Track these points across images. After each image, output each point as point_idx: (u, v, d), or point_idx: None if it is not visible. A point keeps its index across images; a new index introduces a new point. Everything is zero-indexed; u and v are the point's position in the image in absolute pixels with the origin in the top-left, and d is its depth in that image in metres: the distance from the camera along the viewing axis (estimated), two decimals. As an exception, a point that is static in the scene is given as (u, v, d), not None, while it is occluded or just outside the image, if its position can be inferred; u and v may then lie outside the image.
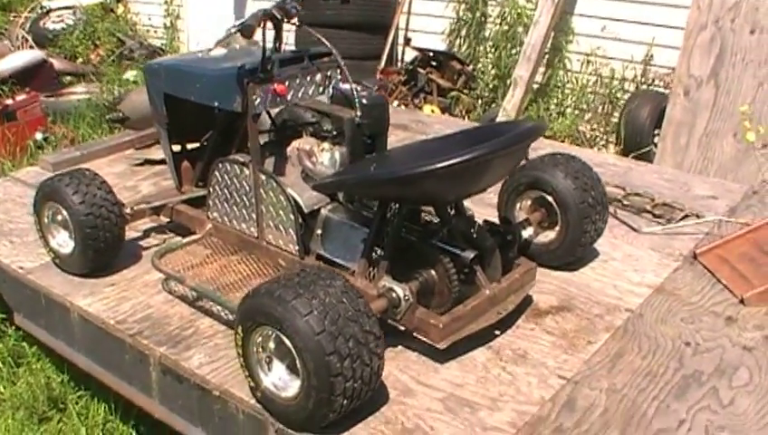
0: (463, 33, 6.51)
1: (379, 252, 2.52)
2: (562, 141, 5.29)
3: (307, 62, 2.85)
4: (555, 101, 5.87)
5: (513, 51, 6.18)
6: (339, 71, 2.90)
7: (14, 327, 3.42)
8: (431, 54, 6.35)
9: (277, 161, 2.79)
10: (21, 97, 5.13)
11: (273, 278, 2.14)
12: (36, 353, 3.37)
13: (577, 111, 5.67)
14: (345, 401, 2.03)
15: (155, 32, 8.11)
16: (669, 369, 2.44)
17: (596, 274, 2.99)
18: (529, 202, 2.98)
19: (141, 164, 3.91)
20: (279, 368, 2.14)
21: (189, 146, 3.25)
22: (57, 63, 6.33)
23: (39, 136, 5.00)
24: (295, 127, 2.92)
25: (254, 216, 2.79)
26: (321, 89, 2.89)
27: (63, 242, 2.91)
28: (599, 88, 5.79)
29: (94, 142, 4.30)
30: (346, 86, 2.87)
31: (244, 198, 2.80)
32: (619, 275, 2.98)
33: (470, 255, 2.44)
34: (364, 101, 2.73)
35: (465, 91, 6.28)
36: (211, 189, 2.91)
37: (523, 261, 2.68)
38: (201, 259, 2.85)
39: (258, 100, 2.67)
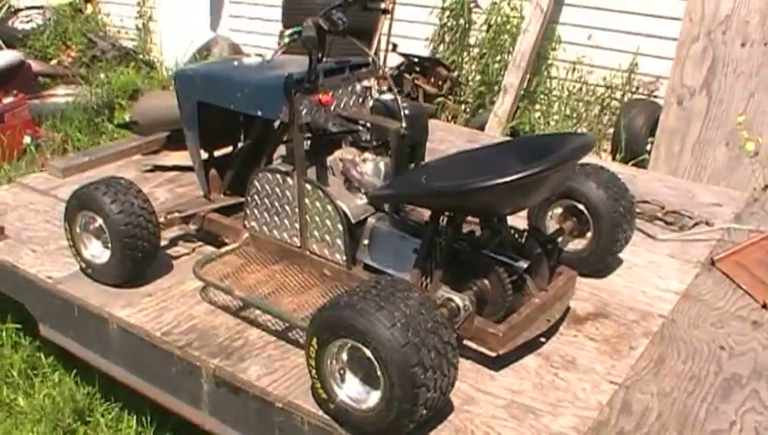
0: (447, 39, 6.61)
1: (430, 262, 2.57)
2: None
3: (348, 73, 2.88)
4: (544, 108, 6.00)
5: (498, 58, 6.30)
6: (377, 81, 2.94)
7: (29, 338, 3.37)
8: (417, 60, 6.42)
9: (318, 171, 2.81)
10: (8, 100, 5.00)
11: (349, 291, 2.17)
12: (53, 364, 3.32)
13: (571, 119, 5.80)
14: (425, 412, 2.08)
15: (126, 33, 7.98)
16: (710, 373, 2.56)
17: (624, 280, 3.10)
18: (560, 211, 3.07)
19: (151, 170, 3.88)
20: (353, 380, 2.17)
21: (216, 154, 3.25)
22: (34, 65, 6.18)
23: (27, 140, 4.89)
24: (334, 137, 2.94)
25: (296, 225, 2.80)
26: (361, 99, 2.93)
27: (97, 252, 2.88)
28: (585, 96, 5.95)
29: (101, 147, 4.24)
30: (386, 96, 2.92)
31: (287, 208, 2.82)
32: (645, 282, 3.10)
33: (524, 264, 2.51)
34: (407, 112, 2.78)
35: (451, 97, 6.37)
36: (249, 199, 2.92)
37: (564, 269, 2.76)
38: (241, 269, 2.85)
39: (305, 110, 2.70)
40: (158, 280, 2.96)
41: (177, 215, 3.03)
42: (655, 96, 5.67)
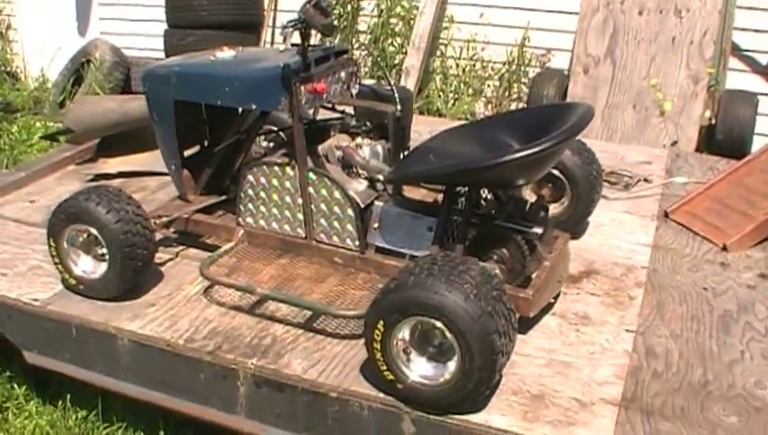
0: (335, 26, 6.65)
1: (448, 238, 2.66)
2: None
3: (333, 61, 2.90)
4: (445, 87, 6.20)
5: (390, 41, 6.44)
6: (357, 68, 2.98)
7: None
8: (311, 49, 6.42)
9: (313, 160, 2.82)
10: None
11: (405, 271, 2.21)
12: (24, 395, 3.11)
13: (474, 95, 6.03)
14: (497, 377, 2.18)
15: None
16: (705, 312, 2.82)
17: (597, 239, 3.33)
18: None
19: (94, 180, 3.69)
20: (419, 359, 2.23)
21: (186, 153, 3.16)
22: None
23: None
24: (323, 125, 2.96)
25: (299, 216, 2.80)
26: (345, 86, 2.95)
27: (90, 266, 2.74)
28: (481, 72, 6.21)
29: (33, 162, 3.95)
30: (367, 82, 2.98)
31: (288, 200, 2.80)
32: (616, 238, 3.35)
33: (538, 231, 2.66)
34: (399, 95, 2.85)
35: (351, 83, 6.43)
36: (243, 195, 2.88)
37: (559, 233, 2.93)
38: (247, 266, 2.81)
39: (303, 100, 2.70)
40: (154, 289, 2.85)
41: (164, 220, 2.92)
42: (548, 67, 6.03)
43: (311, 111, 2.98)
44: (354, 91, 2.97)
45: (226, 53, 2.97)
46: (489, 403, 2.28)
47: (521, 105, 6.03)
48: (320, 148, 2.87)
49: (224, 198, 3.09)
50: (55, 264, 2.78)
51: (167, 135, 3.00)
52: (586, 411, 2.27)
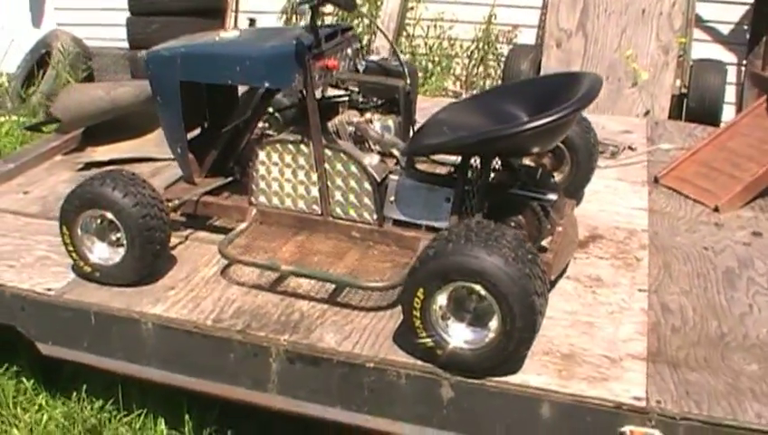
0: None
1: (466, 207, 2.72)
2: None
3: (340, 37, 2.92)
4: (416, 66, 6.25)
5: (357, 22, 6.46)
6: (361, 44, 3.01)
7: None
8: None
9: (325, 137, 2.84)
10: None
11: (441, 238, 2.26)
12: (33, 388, 3.08)
13: (444, 73, 6.11)
14: (535, 337, 2.26)
15: None
16: (709, 270, 2.95)
17: (596, 205, 3.43)
18: (536, 149, 3.33)
19: (85, 168, 3.64)
20: (458, 324, 2.29)
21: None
22: None
23: None
24: (331, 101, 2.98)
25: (315, 193, 2.83)
26: (352, 63, 2.98)
27: (106, 253, 2.72)
28: (449, 50, 6.29)
29: (19, 153, 3.86)
30: (373, 57, 3.01)
31: (302, 177, 2.82)
32: (613, 204, 3.46)
33: (552, 197, 2.74)
34: (407, 69, 2.90)
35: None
36: (255, 174, 2.89)
37: (565, 199, 3.02)
38: (265, 245, 2.82)
39: (317, 76, 2.72)
40: (170, 272, 2.85)
41: (176, 202, 2.91)
42: (515, 43, 6.14)
43: (320, 89, 3.00)
44: (361, 68, 3.00)
45: (230, 33, 2.97)
46: (524, 365, 2.35)
47: (491, 82, 6.14)
48: (329, 124, 2.89)
49: (230, 179, 3.09)
50: (69, 252, 2.75)
51: (172, 118, 2.98)
52: (616, 367, 2.36)
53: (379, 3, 6.30)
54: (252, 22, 6.64)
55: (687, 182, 3.61)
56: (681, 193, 3.58)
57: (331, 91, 3.08)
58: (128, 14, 6.02)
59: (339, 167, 2.76)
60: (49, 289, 2.76)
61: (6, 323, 2.84)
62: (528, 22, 6.11)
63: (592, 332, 2.54)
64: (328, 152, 2.76)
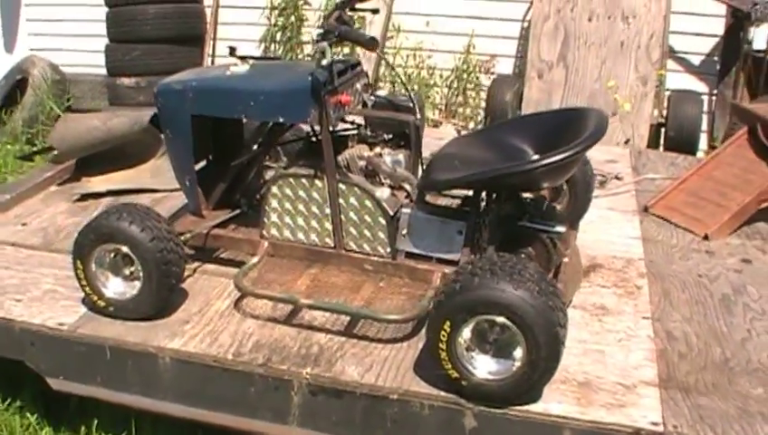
0: (278, 38, 6.73)
1: (477, 240, 2.81)
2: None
3: (350, 73, 3.00)
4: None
5: (336, 51, 6.56)
6: (368, 79, 3.11)
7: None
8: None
9: (337, 171, 2.91)
10: None
11: (466, 271, 2.35)
12: (36, 422, 3.07)
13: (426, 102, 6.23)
14: (558, 367, 2.35)
15: None
16: (706, 297, 3.10)
17: (592, 235, 3.56)
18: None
19: (81, 199, 3.65)
20: (482, 355, 2.37)
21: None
22: None
23: None
24: (340, 137, 3.05)
25: (328, 226, 2.89)
26: (360, 97, 3.06)
27: (121, 287, 2.75)
28: (428, 79, 6.43)
29: (15, 183, 3.85)
30: (380, 93, 3.11)
31: (316, 210, 2.89)
32: (607, 233, 3.60)
33: (561, 229, 2.85)
34: (417, 105, 3.00)
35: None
36: (267, 207, 2.94)
37: (569, 230, 3.14)
38: (279, 278, 2.87)
39: (331, 111, 2.80)
40: (183, 306, 2.88)
41: (187, 235, 2.95)
42: (492, 72, 6.32)
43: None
44: (370, 102, 3.08)
45: (241, 67, 3.03)
46: (543, 394, 2.44)
47: (470, 111, 6.30)
48: (340, 158, 2.96)
49: (237, 211, 3.14)
50: (82, 286, 2.76)
51: (182, 151, 3.02)
52: (631, 393, 2.47)
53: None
54: (232, 50, 6.71)
55: (676, 211, 3.77)
56: (671, 221, 3.73)
57: (340, 125, 3.16)
58: (106, 40, 6.03)
59: (352, 200, 2.84)
60: (61, 324, 2.77)
61: (15, 358, 2.84)
62: (506, 52, 6.29)
63: (604, 359, 2.65)
64: (341, 186, 2.83)
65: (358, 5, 3.07)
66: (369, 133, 3.05)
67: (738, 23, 5.54)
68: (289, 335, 2.73)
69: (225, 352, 2.63)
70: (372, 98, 3.10)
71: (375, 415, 2.50)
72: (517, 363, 2.32)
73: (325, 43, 2.66)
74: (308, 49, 6.67)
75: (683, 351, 2.72)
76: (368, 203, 2.83)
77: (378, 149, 3.00)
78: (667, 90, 5.39)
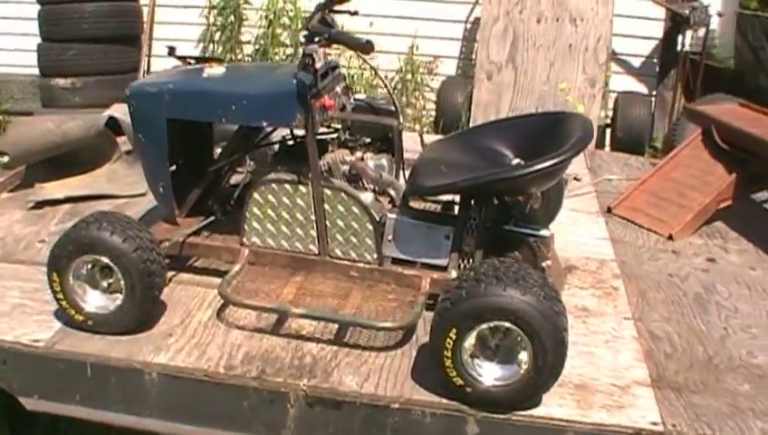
0: (217, 38, 6.60)
1: (465, 245, 2.82)
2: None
3: (330, 75, 2.97)
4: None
5: (277, 50, 6.49)
6: (347, 83, 3.08)
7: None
8: (197, 62, 6.31)
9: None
10: None
11: (470, 278, 2.35)
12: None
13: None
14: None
15: None
16: (680, 296, 3.20)
17: (562, 237, 3.58)
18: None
19: (37, 207, 3.48)
20: (485, 362, 2.38)
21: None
22: None
23: None
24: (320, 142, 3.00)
25: (312, 233, 2.85)
26: (340, 101, 3.03)
27: (101, 300, 2.63)
28: (371, 79, 6.42)
29: (-38, 190, 3.63)
30: (360, 96, 3.08)
31: (299, 217, 2.84)
32: (576, 235, 3.67)
33: (547, 232, 2.89)
34: (398, 108, 2.99)
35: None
36: (248, 214, 2.87)
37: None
38: (263, 287, 2.81)
39: (317, 115, 2.76)
40: (162, 318, 2.78)
41: (166, 244, 2.85)
42: (436, 73, 6.37)
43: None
44: (349, 106, 3.05)
45: (216, 70, 2.94)
46: (543, 398, 2.47)
47: (414, 112, 6.32)
48: (321, 163, 2.92)
49: (212, 219, 3.06)
50: (58, 300, 2.64)
51: (156, 156, 2.92)
52: (627, 394, 2.53)
53: (297, 32, 6.36)
54: (171, 50, 6.54)
55: (639, 212, 3.87)
56: (634, 222, 3.84)
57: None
58: (38, 39, 5.78)
59: (338, 206, 2.80)
60: (36, 340, 2.63)
61: (-15, 378, 2.69)
62: (449, 53, 6.35)
63: (595, 361, 2.70)
64: (327, 192, 2.80)
65: (336, 7, 3.02)
66: (348, 137, 3.01)
67: (676, 26, 5.74)
68: (279, 346, 2.67)
69: (216, 366, 2.55)
70: (352, 101, 3.07)
71: (375, 425, 2.47)
72: (523, 369, 2.34)
73: (315, 46, 2.62)
74: (248, 49, 6.57)
75: (668, 351, 2.80)
76: (354, 209, 2.80)
77: (358, 154, 2.97)
78: (611, 91, 5.54)
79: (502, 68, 5.41)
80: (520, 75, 5.37)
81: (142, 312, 2.64)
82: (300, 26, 6.25)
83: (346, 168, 2.92)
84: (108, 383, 2.60)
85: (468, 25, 6.20)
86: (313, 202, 2.81)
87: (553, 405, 2.44)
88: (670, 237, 3.69)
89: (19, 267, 3.07)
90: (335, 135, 3.03)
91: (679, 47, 5.71)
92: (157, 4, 6.31)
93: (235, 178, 3.26)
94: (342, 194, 2.79)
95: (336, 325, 2.76)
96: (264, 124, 2.82)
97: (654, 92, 6.01)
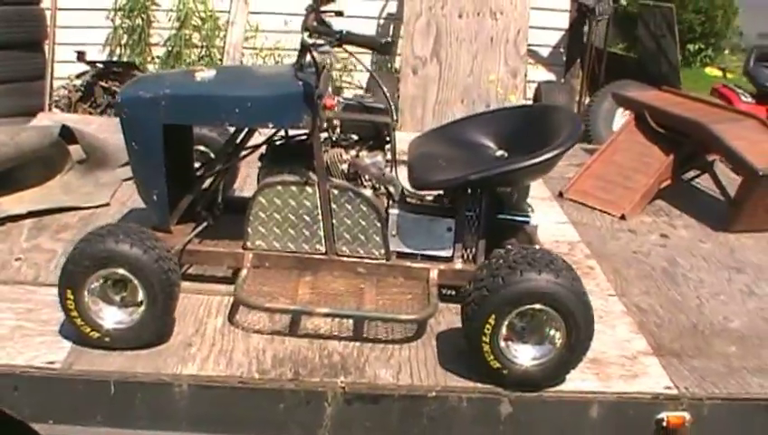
0: (124, 41, 6.41)
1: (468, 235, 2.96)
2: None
3: (323, 76, 3.02)
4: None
5: (188, 51, 6.40)
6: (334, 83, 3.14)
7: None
8: (105, 66, 6.14)
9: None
10: None
11: (501, 266, 2.49)
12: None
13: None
14: (590, 345, 2.58)
15: None
16: (650, 270, 3.50)
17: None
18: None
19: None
20: (518, 344, 2.54)
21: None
22: None
23: None
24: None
25: (319, 232, 2.91)
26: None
27: (118, 316, 2.59)
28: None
29: None
30: (348, 95, 3.17)
31: (306, 217, 2.89)
32: (537, 219, 3.86)
33: (535, 221, 3.09)
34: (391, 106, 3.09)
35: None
36: (252, 217, 2.89)
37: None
38: (275, 289, 2.85)
39: (321, 116, 2.82)
40: (175, 329, 2.76)
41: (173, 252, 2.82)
42: (351, 70, 6.48)
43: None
44: (339, 106, 3.11)
45: (207, 73, 2.93)
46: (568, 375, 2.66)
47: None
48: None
49: (205, 224, 3.05)
50: (72, 317, 2.56)
51: (150, 164, 2.87)
52: (637, 364, 2.77)
53: (206, 33, 6.29)
54: (80, 55, 6.35)
55: (590, 195, 4.16)
56: (586, 205, 4.12)
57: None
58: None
59: (345, 204, 2.87)
60: (51, 362, 2.55)
61: (-6, 405, 2.58)
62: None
63: (598, 336, 2.88)
64: (334, 191, 2.86)
65: (323, 8, 3.08)
66: (341, 136, 3.08)
67: (581, 17, 6.13)
68: (303, 347, 2.72)
69: (249, 372, 2.57)
70: (342, 100, 3.13)
71: (412, 415, 2.58)
72: (556, 347, 2.52)
73: (328, 47, 2.68)
74: (157, 51, 6.43)
75: (657, 322, 3.07)
76: (362, 206, 2.88)
77: (353, 152, 3.05)
78: (531, 82, 5.85)
79: (427, 62, 5.60)
80: (445, 69, 5.58)
81: (162, 324, 2.62)
82: (211, 27, 6.18)
83: (344, 166, 2.99)
84: (133, 400, 2.56)
85: (381, 21, 6.34)
86: (320, 202, 2.87)
87: (577, 380, 2.63)
88: (623, 217, 3.99)
89: (2, 288, 2.94)
90: (326, 134, 3.08)
91: (585, 37, 6.09)
92: (59, 8, 6.05)
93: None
94: (349, 192, 2.87)
95: (351, 322, 2.84)
96: (270, 126, 2.85)
97: (562, 81, 6.38)
